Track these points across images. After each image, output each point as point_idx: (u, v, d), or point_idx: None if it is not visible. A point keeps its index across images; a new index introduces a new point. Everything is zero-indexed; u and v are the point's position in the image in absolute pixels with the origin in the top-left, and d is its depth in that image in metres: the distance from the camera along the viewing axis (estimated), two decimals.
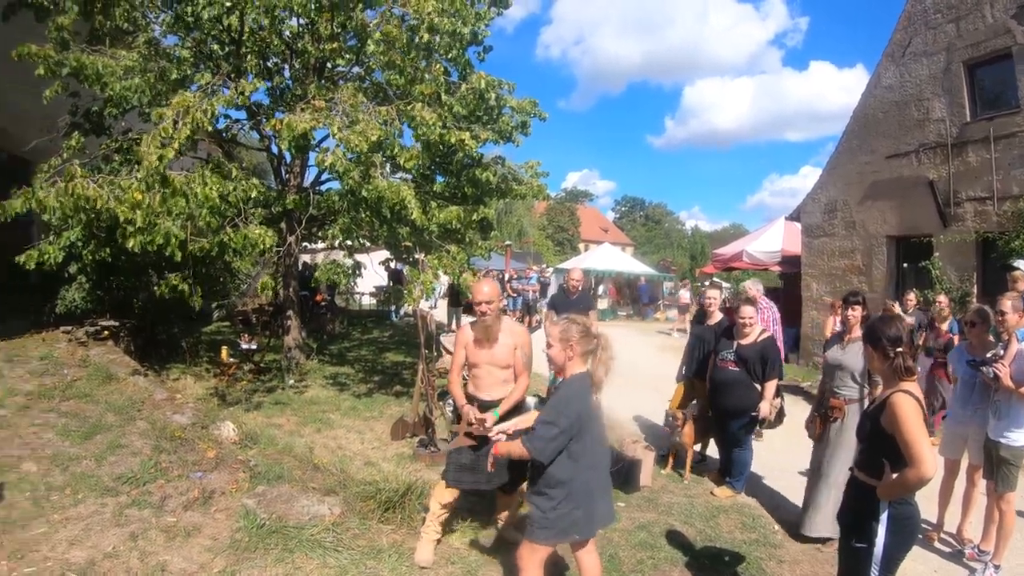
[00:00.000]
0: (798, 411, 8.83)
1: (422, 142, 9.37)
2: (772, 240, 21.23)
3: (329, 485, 6.35)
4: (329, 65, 11.38)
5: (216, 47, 10.89)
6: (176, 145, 7.62)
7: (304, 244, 12.44)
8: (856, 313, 6.21)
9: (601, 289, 32.09)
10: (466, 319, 14.51)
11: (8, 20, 9.80)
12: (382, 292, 20.67)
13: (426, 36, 9.12)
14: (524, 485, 5.50)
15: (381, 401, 10.37)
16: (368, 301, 26.00)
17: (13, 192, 8.31)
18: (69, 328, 10.16)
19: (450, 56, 10.22)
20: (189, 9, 9.60)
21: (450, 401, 8.76)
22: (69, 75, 9.22)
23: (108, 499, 5.68)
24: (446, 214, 9.99)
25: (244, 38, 10.08)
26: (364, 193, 8.93)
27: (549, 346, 4.21)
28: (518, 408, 5.42)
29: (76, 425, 7.13)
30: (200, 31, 10.15)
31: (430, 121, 9.07)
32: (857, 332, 5.96)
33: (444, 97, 10.00)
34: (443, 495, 5.35)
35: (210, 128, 8.64)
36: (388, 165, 9.88)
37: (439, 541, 5.47)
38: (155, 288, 9.48)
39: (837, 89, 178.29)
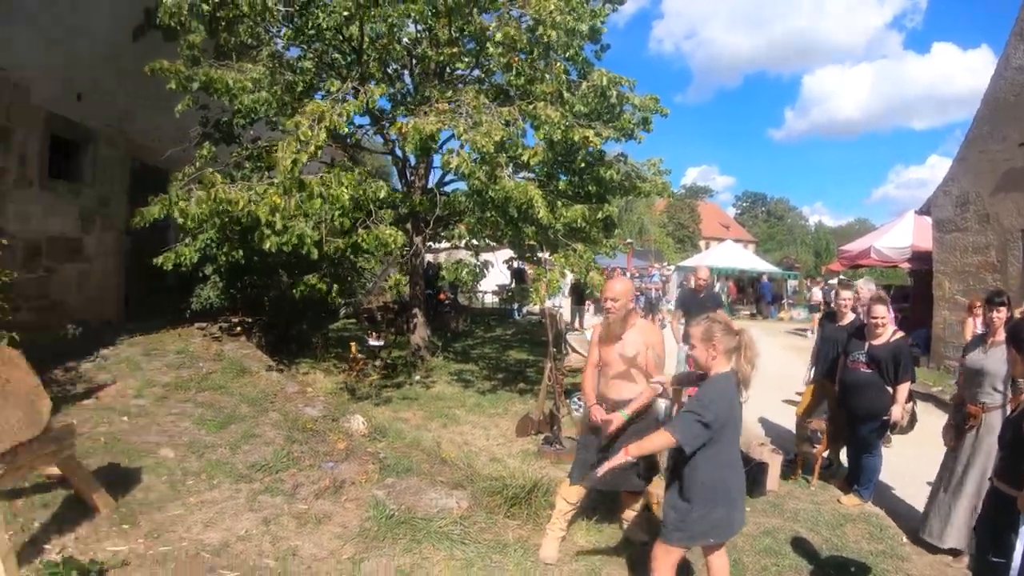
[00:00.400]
0: (929, 418, 8.47)
1: (546, 140, 9.37)
2: (901, 236, 20.26)
3: (456, 479, 6.42)
4: (448, 69, 11.51)
5: (338, 56, 11.19)
6: (312, 149, 7.86)
7: (429, 244, 12.67)
8: (1001, 315, 5.83)
9: (719, 286, 31.53)
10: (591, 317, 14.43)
11: (138, 40, 10.48)
12: (504, 290, 20.88)
13: (552, 34, 9.09)
14: (650, 486, 5.49)
15: (505, 398, 10.43)
16: (491, 299, 26.22)
17: (151, 199, 8.90)
18: (204, 324, 10.69)
19: (568, 55, 10.21)
20: (309, 22, 9.91)
21: (575, 399, 8.78)
22: (199, 89, 9.72)
23: (242, 485, 5.92)
24: (571, 213, 9.97)
25: (365, 46, 10.31)
26: (491, 194, 9.02)
27: (692, 347, 4.15)
28: (647, 410, 5.35)
29: (212, 415, 7.47)
30: (321, 42, 10.46)
31: (554, 119, 9.07)
32: (1001, 335, 5.57)
33: (566, 95, 9.98)
34: (569, 493, 5.30)
35: (345, 131, 8.89)
36: (511, 165, 9.93)
37: (564, 538, 5.45)
38: (292, 287, 9.90)
39: (963, 71, 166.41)
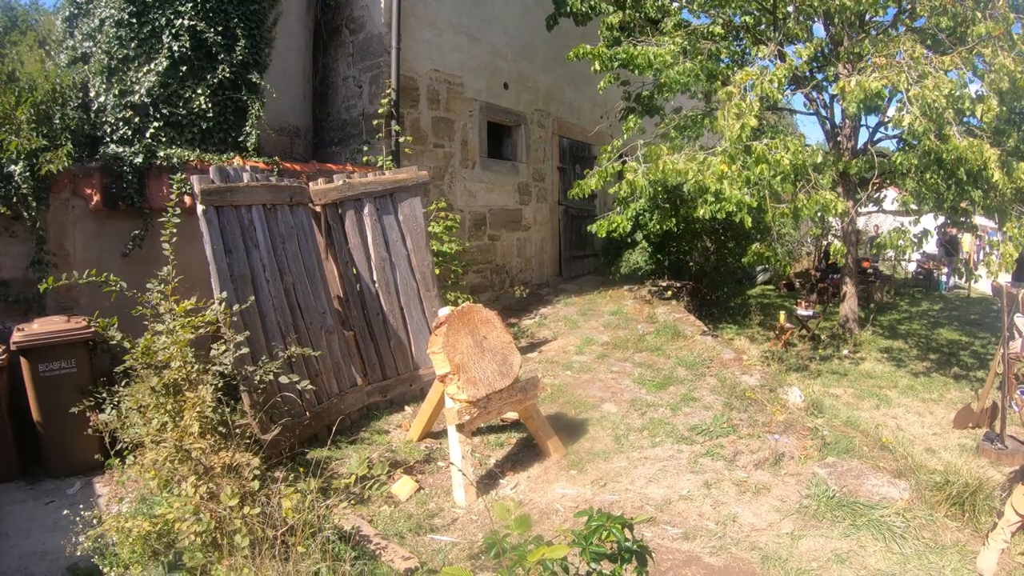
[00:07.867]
0: None
1: (995, 91, 8.31)
2: None
3: (898, 468, 6.02)
4: (867, 16, 10.62)
5: (747, 18, 10.85)
6: (749, 117, 7.75)
7: (858, 208, 11.96)
8: None
9: None
10: None
11: (551, 29, 11.23)
12: (929, 260, 19.28)
13: None
14: None
15: (939, 383, 9.55)
16: (913, 268, 24.17)
17: (585, 172, 9.70)
18: (632, 287, 11.18)
19: None
20: None
21: (1021, 392, 7.77)
22: (620, 67, 10.02)
23: (683, 446, 6.09)
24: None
25: (776, 5, 9.89)
26: (943, 155, 8.24)
27: None
28: None
29: (651, 375, 7.79)
30: (728, 7, 10.22)
31: (1009, 66, 8.00)
32: None
33: (1015, 36, 8.69)
34: (1021, 502, 4.71)
35: (780, 98, 8.69)
36: (960, 123, 8.93)
37: (1004, 551, 4.86)
38: (719, 252, 9.98)
39: None
